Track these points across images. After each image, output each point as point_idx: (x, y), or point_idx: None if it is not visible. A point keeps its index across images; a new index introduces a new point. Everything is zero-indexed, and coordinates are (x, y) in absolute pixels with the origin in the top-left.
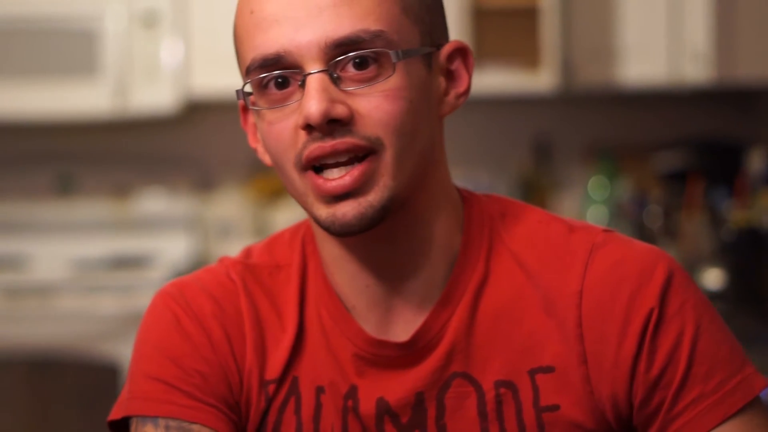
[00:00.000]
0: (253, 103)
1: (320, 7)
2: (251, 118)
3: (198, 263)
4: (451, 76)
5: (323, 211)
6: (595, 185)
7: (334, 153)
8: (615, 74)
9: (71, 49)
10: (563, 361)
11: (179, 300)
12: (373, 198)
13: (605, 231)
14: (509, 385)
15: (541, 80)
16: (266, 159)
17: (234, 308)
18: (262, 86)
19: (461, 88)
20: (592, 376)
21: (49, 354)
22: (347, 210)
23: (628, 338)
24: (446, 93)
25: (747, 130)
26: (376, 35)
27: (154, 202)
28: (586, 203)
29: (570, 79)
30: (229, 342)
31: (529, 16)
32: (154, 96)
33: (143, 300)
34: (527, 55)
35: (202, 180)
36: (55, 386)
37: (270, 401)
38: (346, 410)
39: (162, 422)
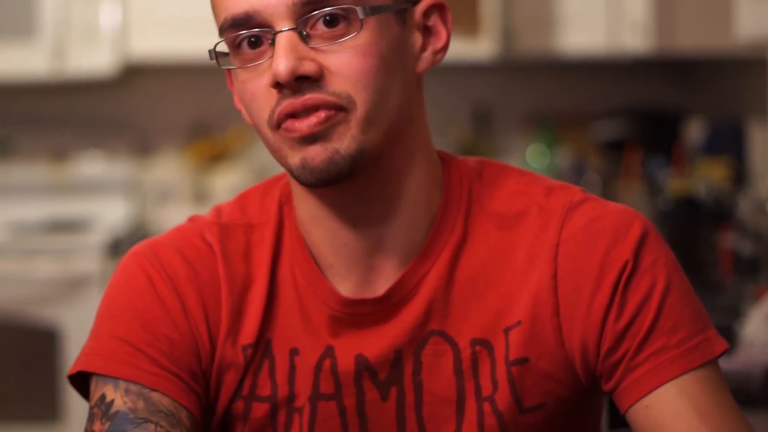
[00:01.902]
0: (226, 63)
1: None
2: None
3: (136, 227)
4: (428, 32)
5: (296, 158)
6: (534, 153)
7: (305, 108)
8: (555, 42)
9: (8, 10)
10: (535, 314)
11: (153, 262)
12: (339, 145)
13: (583, 191)
14: (485, 344)
15: (481, 47)
16: (248, 119)
17: (209, 273)
18: (235, 46)
19: (439, 44)
20: (563, 328)
21: None
22: (315, 154)
23: (601, 289)
24: (423, 49)
25: (685, 100)
26: None
27: (92, 166)
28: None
29: (510, 46)
30: (204, 308)
31: None
32: (92, 58)
33: (81, 264)
34: (467, 23)
35: (141, 144)
36: None
37: (248, 365)
38: (321, 370)
39: (122, 384)
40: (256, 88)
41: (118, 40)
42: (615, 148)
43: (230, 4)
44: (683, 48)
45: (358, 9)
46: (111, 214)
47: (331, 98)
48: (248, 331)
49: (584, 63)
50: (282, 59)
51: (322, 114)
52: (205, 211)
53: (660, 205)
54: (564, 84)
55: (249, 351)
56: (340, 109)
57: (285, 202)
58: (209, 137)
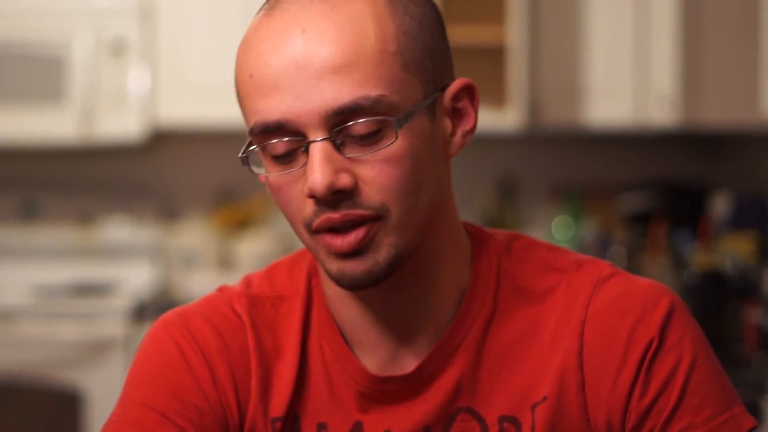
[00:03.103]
0: (257, 164)
1: (319, 74)
2: None
3: (161, 292)
4: (457, 114)
5: (333, 266)
6: (560, 225)
7: (343, 224)
8: (581, 115)
9: (38, 76)
10: (561, 390)
11: (183, 331)
12: (380, 256)
13: (612, 266)
14: (513, 421)
15: (507, 119)
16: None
17: (239, 345)
18: (265, 150)
19: (468, 126)
20: (589, 404)
21: (9, 380)
22: (355, 266)
23: (627, 366)
24: (453, 133)
25: (711, 173)
26: (377, 101)
27: (117, 230)
28: (551, 242)
29: (536, 118)
30: (233, 380)
31: (497, 55)
32: (120, 124)
33: (105, 328)
34: (494, 94)
35: (167, 209)
36: (15, 412)
37: None
38: None
39: None
40: (290, 194)
41: (146, 106)
42: (640, 221)
43: (261, 110)
44: (709, 122)
45: (393, 120)
46: (136, 278)
47: (367, 212)
48: (277, 404)
49: (610, 135)
50: (318, 174)
51: (361, 232)
52: (229, 276)
53: (685, 279)
54: (590, 156)
55: (278, 424)
56: (375, 219)
57: (313, 275)
58: (235, 204)
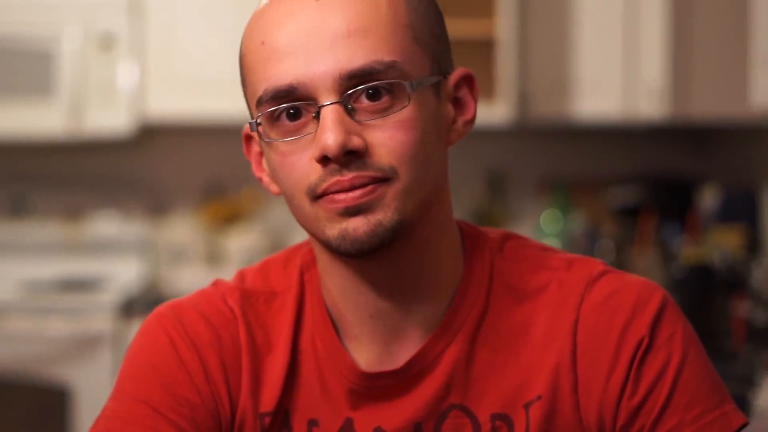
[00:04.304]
0: (265, 135)
1: (333, 38)
2: (255, 148)
3: (149, 287)
4: (458, 103)
5: (335, 229)
6: (548, 218)
7: (352, 187)
8: (570, 108)
9: (27, 70)
10: (555, 390)
11: (175, 324)
12: (383, 217)
13: (604, 264)
14: (505, 419)
15: (496, 112)
16: (272, 188)
17: (231, 338)
18: (273, 117)
19: (468, 116)
20: (581, 404)
21: None
22: (358, 225)
23: (618, 366)
24: (454, 121)
25: (700, 167)
26: (390, 66)
27: (106, 225)
28: (539, 236)
29: (525, 111)
30: (225, 373)
31: (486, 48)
32: (109, 118)
33: (93, 323)
34: (483, 87)
35: (155, 204)
36: (2, 408)
37: None
38: None
39: None
40: (297, 160)
41: (135, 100)
42: (629, 215)
43: (272, 75)
44: (699, 115)
45: (406, 84)
46: (124, 273)
47: (376, 173)
48: (267, 399)
49: (599, 129)
50: (331, 133)
51: (368, 188)
52: (217, 271)
53: (673, 272)
54: (579, 149)
55: (267, 419)
56: (383, 180)
57: (306, 270)
58: (224, 198)
